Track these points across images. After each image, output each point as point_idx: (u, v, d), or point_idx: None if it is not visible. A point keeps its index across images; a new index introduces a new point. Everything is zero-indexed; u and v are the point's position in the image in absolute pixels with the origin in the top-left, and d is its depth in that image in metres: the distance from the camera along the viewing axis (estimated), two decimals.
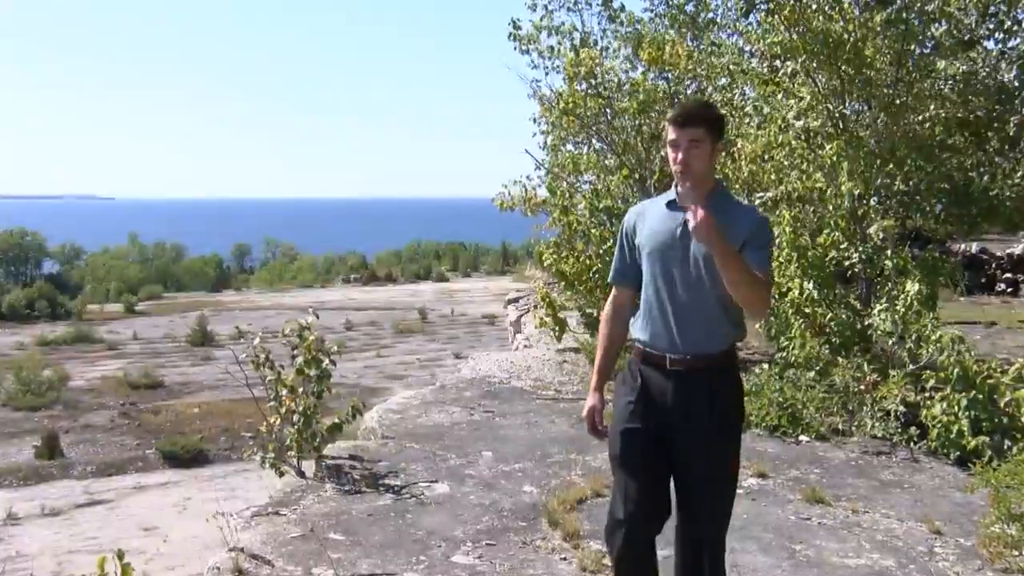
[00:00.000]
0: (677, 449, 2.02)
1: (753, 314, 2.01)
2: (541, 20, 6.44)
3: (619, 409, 2.10)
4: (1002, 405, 3.89)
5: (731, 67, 5.54)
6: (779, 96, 4.98)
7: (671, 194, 2.06)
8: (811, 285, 4.54)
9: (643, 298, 2.08)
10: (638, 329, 2.08)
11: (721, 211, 1.91)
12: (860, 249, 4.74)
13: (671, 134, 1.99)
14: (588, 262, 5.50)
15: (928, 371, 4.19)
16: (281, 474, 3.71)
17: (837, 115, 4.77)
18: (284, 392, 3.73)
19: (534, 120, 6.52)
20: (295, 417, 3.68)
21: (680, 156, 1.97)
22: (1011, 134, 4.84)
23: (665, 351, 2.02)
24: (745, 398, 2.21)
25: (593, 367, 2.25)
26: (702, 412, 1.99)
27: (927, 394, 4.13)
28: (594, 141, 6.33)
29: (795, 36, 4.69)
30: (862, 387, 4.27)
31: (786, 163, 4.81)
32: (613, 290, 2.21)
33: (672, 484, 2.06)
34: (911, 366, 4.34)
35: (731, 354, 2.08)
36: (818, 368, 4.43)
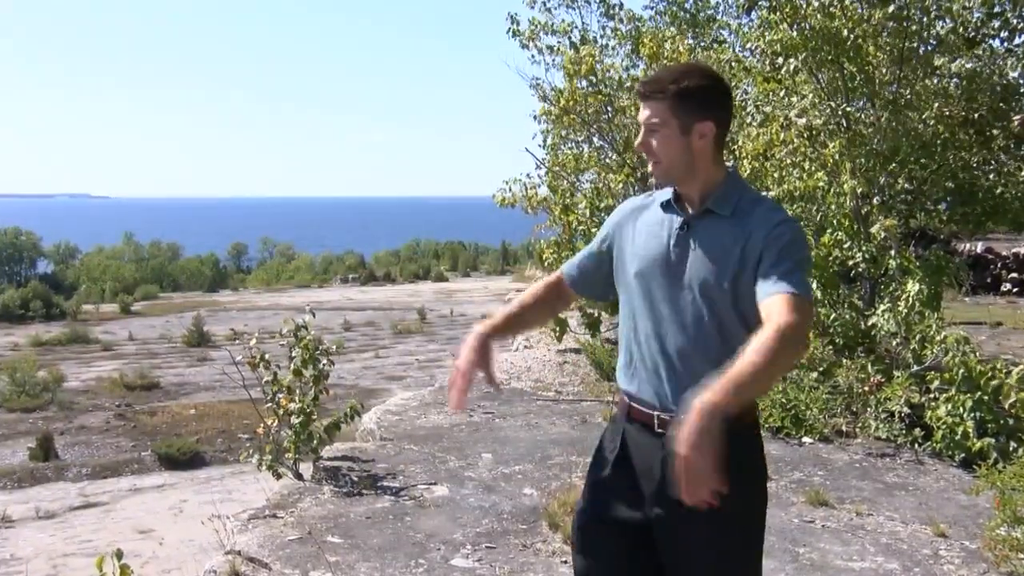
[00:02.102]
0: (668, 551, 1.44)
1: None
2: (541, 17, 6.41)
3: (591, 479, 1.56)
4: (1007, 406, 3.87)
5: (732, 64, 5.51)
6: (781, 94, 4.95)
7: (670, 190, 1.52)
8: (814, 285, 4.50)
9: (623, 335, 1.53)
10: (621, 374, 1.54)
11: (724, 221, 1.41)
12: (863, 248, 4.71)
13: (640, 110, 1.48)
14: None
15: (933, 372, 4.16)
16: (278, 476, 3.68)
17: (840, 113, 4.74)
18: (281, 393, 3.69)
19: (535, 118, 6.48)
20: (292, 419, 3.64)
21: (637, 140, 1.48)
22: (1016, 132, 4.82)
23: (654, 408, 1.45)
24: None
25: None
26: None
27: (932, 395, 4.10)
28: (595, 139, 6.30)
29: (796, 33, 4.67)
30: (866, 388, 4.24)
31: (788, 161, 4.78)
32: (561, 279, 1.66)
33: None
34: (915, 367, 4.31)
35: (746, 412, 1.43)
36: (821, 369, 4.40)
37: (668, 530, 1.43)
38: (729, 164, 1.51)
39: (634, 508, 1.47)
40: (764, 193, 5.07)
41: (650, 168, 1.49)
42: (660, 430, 1.44)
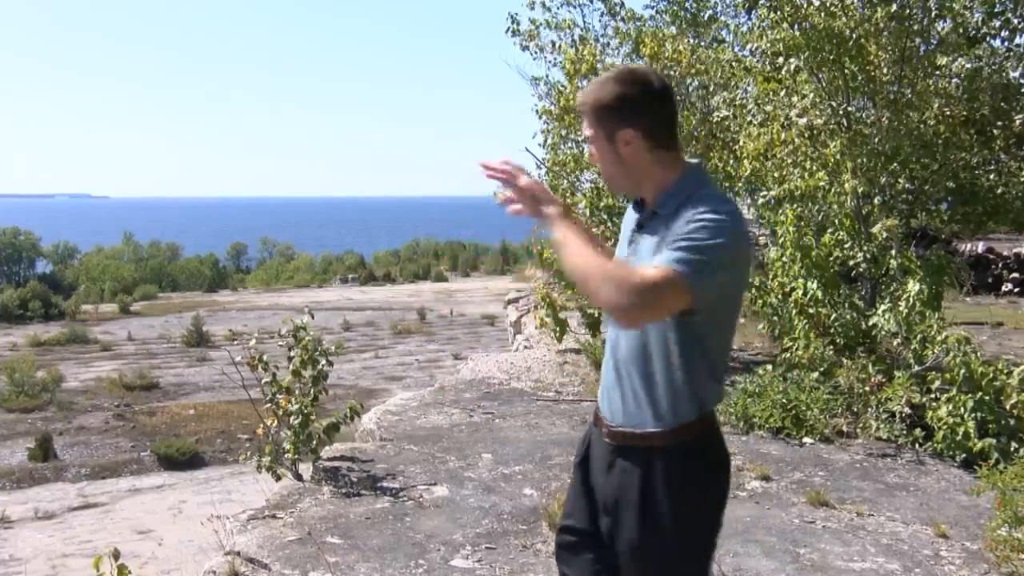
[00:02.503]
0: (615, 556, 1.47)
1: (610, 314, 1.35)
2: (541, 16, 6.40)
3: (569, 489, 1.63)
4: (1009, 407, 3.86)
5: (733, 64, 5.50)
6: (782, 93, 4.94)
7: None
8: (815, 285, 4.49)
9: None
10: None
11: (662, 222, 1.38)
12: (864, 248, 4.71)
13: None
14: None
15: (934, 372, 4.15)
16: (278, 477, 3.66)
17: (841, 112, 4.74)
18: (280, 394, 3.68)
19: (537, 113, 6.47)
20: (292, 419, 3.63)
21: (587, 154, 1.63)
22: (1017, 132, 4.82)
23: (605, 416, 1.50)
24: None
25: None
26: (629, 515, 1.41)
27: (933, 395, 4.09)
28: None
29: (798, 33, 4.66)
30: (867, 388, 4.23)
31: (789, 161, 4.78)
32: None
33: None
34: (916, 367, 4.30)
35: (684, 433, 1.40)
36: (822, 369, 4.39)
37: (610, 537, 1.49)
38: (694, 160, 1.49)
39: (590, 507, 1.53)
40: (765, 192, 5.07)
41: None
42: (607, 439, 1.49)
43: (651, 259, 1.35)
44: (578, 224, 1.45)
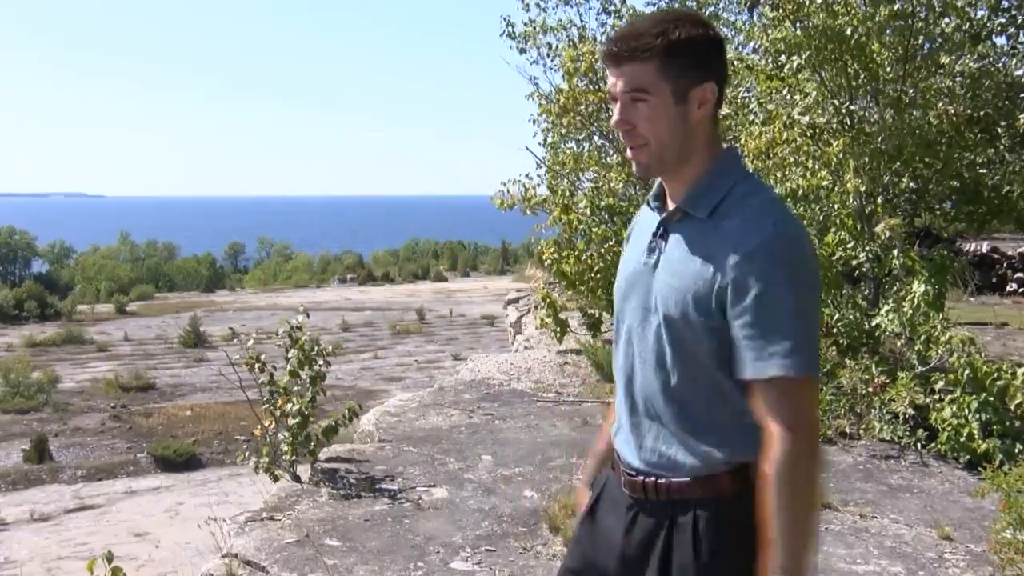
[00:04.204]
0: None
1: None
2: (537, 17, 6.38)
3: (576, 529, 1.33)
4: (1013, 408, 3.83)
5: (735, 62, 5.48)
6: (784, 92, 4.92)
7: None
8: None
9: (614, 366, 1.27)
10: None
11: (700, 227, 1.10)
12: (867, 248, 4.68)
13: (608, 78, 1.14)
14: (589, 261, 5.42)
15: (937, 373, 4.12)
16: (275, 478, 3.63)
17: (843, 111, 4.71)
18: (278, 394, 3.65)
19: (533, 122, 6.46)
20: (289, 420, 3.60)
21: (616, 116, 1.12)
22: (1022, 131, 4.80)
23: (622, 460, 1.21)
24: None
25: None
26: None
27: (936, 396, 4.06)
28: (595, 138, 6.26)
29: (800, 31, 4.64)
30: (870, 389, 4.20)
31: (791, 160, 4.75)
32: None
33: None
34: (920, 368, 4.27)
35: (725, 483, 1.11)
36: (825, 370, 4.36)
37: None
38: (727, 143, 1.23)
39: (600, 565, 1.22)
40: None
41: (630, 155, 1.13)
42: (625, 490, 1.19)
43: (701, 283, 1.06)
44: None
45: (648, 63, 1.07)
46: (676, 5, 6.41)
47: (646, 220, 1.22)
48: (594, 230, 5.51)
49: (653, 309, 1.13)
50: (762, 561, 1.04)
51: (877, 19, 4.44)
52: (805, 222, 4.69)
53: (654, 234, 1.16)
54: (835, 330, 4.50)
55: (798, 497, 1.03)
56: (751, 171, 1.20)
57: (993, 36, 4.77)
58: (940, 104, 4.77)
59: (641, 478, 1.17)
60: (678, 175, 1.14)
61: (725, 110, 5.18)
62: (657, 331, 1.13)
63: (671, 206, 1.16)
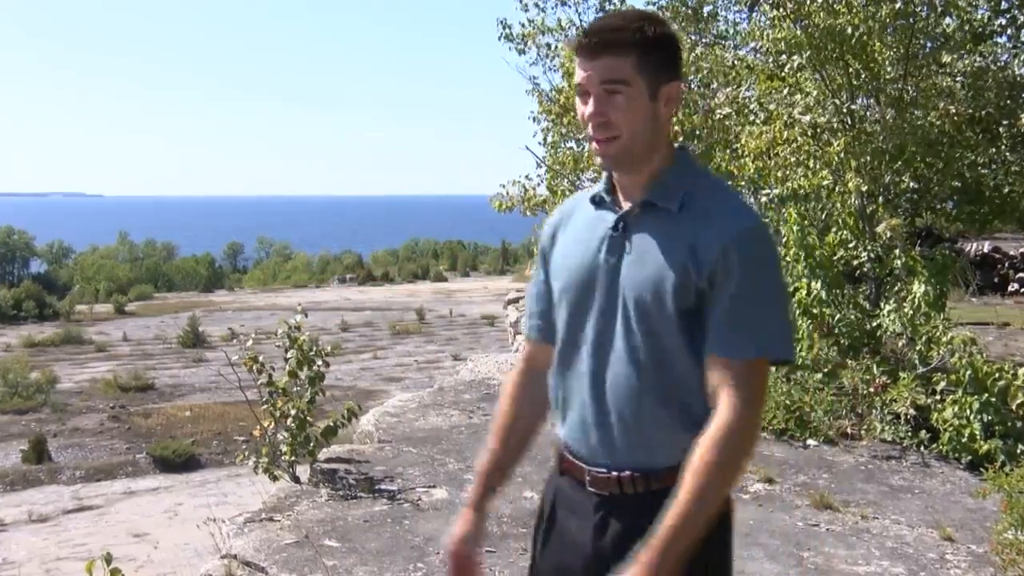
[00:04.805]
0: None
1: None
2: (536, 18, 6.38)
3: (531, 550, 1.31)
4: (1015, 408, 3.82)
5: (735, 62, 5.47)
6: (784, 91, 4.91)
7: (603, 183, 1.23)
8: (819, 285, 4.45)
9: (555, 367, 1.24)
10: (558, 416, 1.25)
11: (670, 219, 1.12)
12: (868, 248, 4.68)
13: (577, 74, 1.14)
14: None
15: (939, 373, 4.12)
16: (275, 479, 3.62)
17: (844, 111, 4.71)
18: (277, 395, 3.64)
19: (534, 120, 6.45)
20: (289, 421, 3.58)
21: (590, 108, 1.12)
22: (1023, 130, 4.79)
23: (585, 460, 1.19)
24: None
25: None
26: None
27: (938, 397, 4.06)
28: None
29: (800, 31, 4.63)
30: (871, 390, 4.19)
31: (792, 160, 4.74)
32: (527, 346, 1.34)
33: None
34: (921, 368, 4.26)
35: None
36: (826, 370, 4.35)
37: None
38: (679, 141, 1.28)
39: None
40: (767, 191, 5.02)
41: (596, 147, 1.14)
42: (592, 488, 1.18)
43: (675, 272, 1.08)
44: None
45: (626, 57, 1.10)
46: (675, 5, 6.40)
47: (588, 218, 1.21)
48: None
49: (621, 304, 1.14)
50: (665, 516, 1.06)
51: (878, 18, 4.44)
52: (806, 222, 4.69)
53: (614, 229, 1.17)
54: (836, 330, 4.49)
55: (733, 459, 1.07)
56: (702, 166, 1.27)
57: (994, 36, 4.76)
58: (941, 103, 4.76)
59: (615, 474, 1.16)
60: (639, 171, 1.16)
61: (726, 109, 5.17)
62: (627, 325, 1.14)
63: (625, 202, 1.18)
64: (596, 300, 1.17)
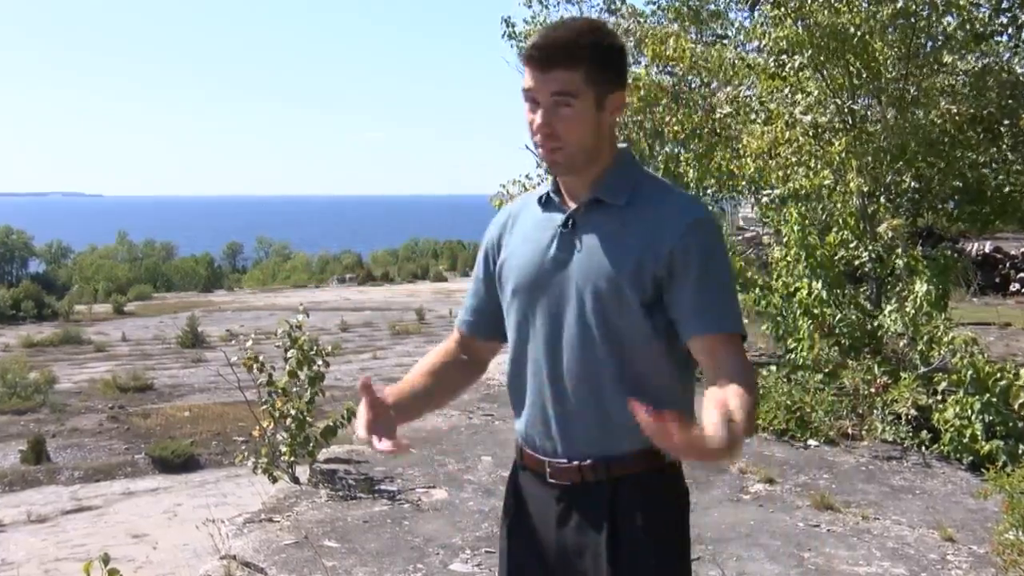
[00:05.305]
0: None
1: None
2: (539, 15, 6.37)
3: (499, 551, 1.32)
4: (1016, 408, 3.82)
5: (736, 61, 5.46)
6: (786, 91, 4.90)
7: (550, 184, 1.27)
8: (820, 285, 4.45)
9: (509, 365, 1.27)
10: (516, 413, 1.28)
11: (618, 212, 1.17)
12: (870, 248, 4.67)
13: (527, 81, 1.16)
14: None
15: (940, 373, 4.11)
16: (274, 480, 3.61)
17: (846, 110, 4.70)
18: (276, 395, 3.63)
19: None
20: (288, 421, 3.57)
21: (539, 119, 1.15)
22: None
23: (546, 454, 1.22)
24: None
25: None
26: (600, 560, 1.16)
27: (939, 397, 4.06)
28: None
29: (802, 30, 4.62)
30: (872, 390, 4.19)
31: (793, 159, 4.74)
32: (455, 334, 1.37)
33: None
34: (923, 368, 4.26)
35: (657, 455, 1.12)
36: (827, 370, 4.35)
37: None
38: (620, 142, 1.28)
39: (536, 571, 1.23)
40: (768, 191, 5.02)
41: (544, 154, 1.18)
42: (552, 480, 1.21)
43: (630, 259, 1.13)
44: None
45: (577, 70, 1.14)
46: (676, 4, 6.40)
47: (537, 219, 1.25)
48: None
49: (575, 295, 1.18)
50: (729, 400, 1.06)
51: (879, 17, 4.43)
52: (807, 221, 4.68)
53: (563, 227, 1.21)
54: (837, 330, 4.49)
55: (755, 405, 1.12)
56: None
57: (996, 35, 4.75)
58: (943, 103, 4.76)
59: (576, 463, 1.20)
60: (584, 172, 1.21)
61: (727, 109, 5.17)
62: (583, 318, 1.17)
63: (571, 202, 1.23)
64: (549, 296, 1.20)
